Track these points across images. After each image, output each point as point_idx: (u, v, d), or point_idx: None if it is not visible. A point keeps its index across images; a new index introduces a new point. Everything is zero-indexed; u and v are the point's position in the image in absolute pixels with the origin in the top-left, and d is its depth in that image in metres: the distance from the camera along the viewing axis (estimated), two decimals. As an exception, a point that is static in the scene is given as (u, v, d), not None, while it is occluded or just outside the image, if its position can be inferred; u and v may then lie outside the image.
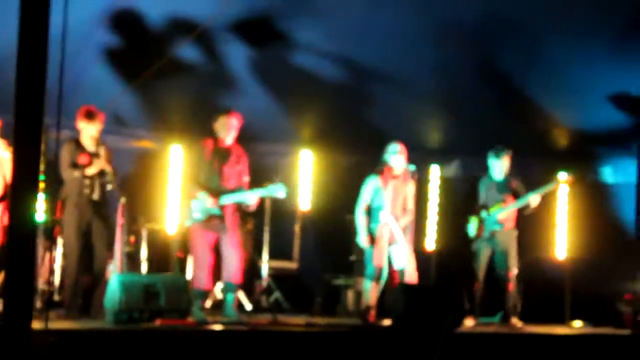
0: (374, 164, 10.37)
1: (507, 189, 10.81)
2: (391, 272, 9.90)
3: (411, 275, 9.89)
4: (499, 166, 10.83)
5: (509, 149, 10.80)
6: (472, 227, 10.88)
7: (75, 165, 9.16)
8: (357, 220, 10.11)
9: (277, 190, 9.42)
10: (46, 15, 5.91)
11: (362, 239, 10.01)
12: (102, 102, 9.66)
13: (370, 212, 10.05)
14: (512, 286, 10.61)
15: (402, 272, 9.85)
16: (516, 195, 10.76)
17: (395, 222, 9.89)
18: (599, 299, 11.41)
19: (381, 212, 9.91)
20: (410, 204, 10.13)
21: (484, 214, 10.78)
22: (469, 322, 10.41)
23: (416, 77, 11.88)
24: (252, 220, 11.65)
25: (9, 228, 5.85)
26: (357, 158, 13.05)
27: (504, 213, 10.72)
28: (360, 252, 10.65)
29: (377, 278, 9.86)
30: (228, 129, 9.47)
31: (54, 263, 9.58)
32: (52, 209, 9.59)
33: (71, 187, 9.19)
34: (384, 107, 12.44)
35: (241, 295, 10.67)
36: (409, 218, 10.08)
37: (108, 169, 9.26)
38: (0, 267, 9.05)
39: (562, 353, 8.87)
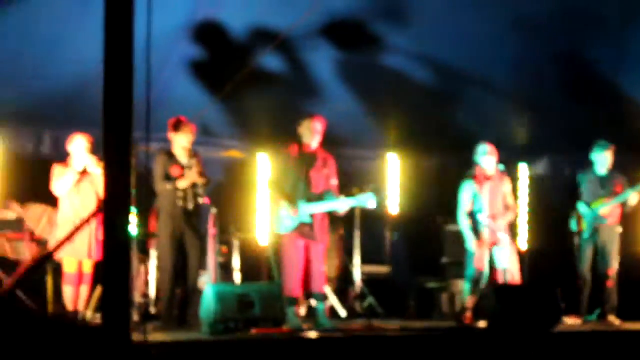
0: (462, 165, 10.31)
1: (611, 184, 10.64)
2: (494, 273, 9.80)
3: (514, 276, 9.80)
4: (603, 160, 10.67)
5: (611, 144, 10.63)
6: (574, 223, 10.73)
7: (167, 178, 9.22)
8: (462, 226, 10.04)
9: (367, 200, 9.32)
10: (130, 29, 5.95)
11: (471, 244, 9.91)
12: (189, 114, 9.72)
13: (471, 216, 9.96)
14: (611, 283, 10.43)
15: (505, 272, 9.74)
16: (620, 191, 10.58)
17: (494, 223, 9.79)
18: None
19: (480, 215, 9.82)
20: (511, 201, 10.09)
21: (585, 209, 10.61)
22: (574, 321, 10.28)
23: (499, 75, 11.81)
24: (342, 225, 11.64)
25: (104, 243, 5.91)
26: (444, 160, 13.03)
27: (606, 208, 10.54)
28: (453, 254, 10.58)
29: (477, 280, 9.78)
30: (312, 133, 9.43)
31: (149, 276, 9.66)
32: (144, 222, 9.70)
33: (164, 198, 9.25)
34: (469, 107, 12.37)
35: (335, 301, 10.66)
36: (512, 216, 10.09)
37: (200, 180, 9.29)
38: (97, 282, 9.24)
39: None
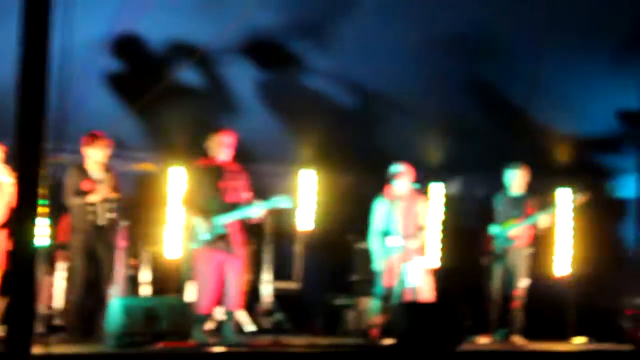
0: (376, 183, 10.37)
1: (523, 205, 10.81)
2: (405, 291, 9.86)
3: (426, 294, 9.86)
4: (515, 181, 10.85)
5: (524, 165, 10.83)
6: (489, 242, 10.88)
7: (78, 193, 9.18)
8: (371, 245, 10.09)
9: (281, 202, 9.34)
10: (45, 40, 5.95)
11: (379, 265, 9.95)
12: (105, 126, 9.69)
13: (383, 235, 10.01)
14: (516, 304, 10.60)
15: (414, 290, 9.80)
16: (531, 213, 10.77)
17: (406, 242, 9.87)
18: (602, 314, 11.41)
19: (391, 236, 9.89)
20: (423, 222, 10.14)
21: (495, 229, 10.78)
22: (483, 340, 10.43)
23: (416, 96, 11.95)
24: (254, 240, 11.66)
25: (11, 254, 5.88)
26: (359, 178, 13.08)
27: (516, 229, 10.71)
28: (362, 271, 10.66)
29: (386, 297, 9.82)
30: (220, 146, 9.39)
31: (54, 287, 9.58)
32: (54, 234, 9.63)
33: (76, 213, 9.19)
34: (386, 127, 12.48)
35: (242, 317, 10.67)
36: (423, 235, 10.10)
37: (112, 195, 9.26)
38: (3, 293, 9.13)
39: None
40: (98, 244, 9.20)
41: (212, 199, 9.26)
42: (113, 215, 9.29)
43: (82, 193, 9.16)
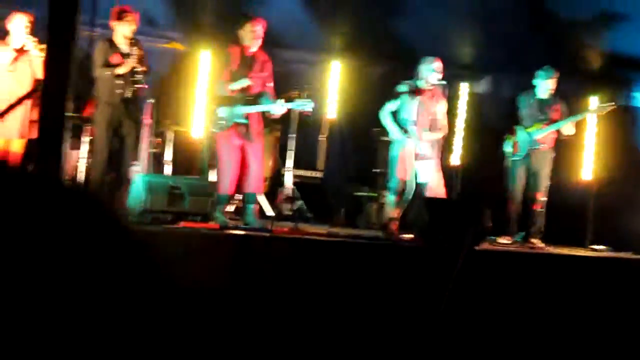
0: (403, 76, 10.28)
1: (550, 109, 10.71)
2: (417, 186, 9.85)
3: (436, 190, 9.86)
4: (546, 86, 10.72)
5: (555, 69, 10.69)
6: (508, 145, 10.81)
7: (107, 65, 9.14)
8: (383, 119, 10.01)
9: (304, 105, 9.38)
10: None
11: (396, 134, 9.88)
12: (136, 2, 9.61)
13: (398, 121, 9.95)
14: (538, 207, 10.59)
15: (424, 186, 9.80)
16: (558, 117, 10.68)
17: (421, 136, 9.83)
18: (622, 223, 11.38)
19: (408, 125, 9.84)
20: (443, 121, 10.05)
21: (522, 132, 10.69)
22: (503, 241, 10.44)
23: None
24: (278, 127, 11.64)
25: (40, 122, 5.87)
26: (385, 69, 12.98)
27: (543, 134, 10.63)
28: (384, 164, 10.63)
29: (401, 191, 9.82)
30: (253, 36, 9.39)
31: (79, 161, 9.59)
32: (80, 108, 9.62)
33: (103, 86, 9.16)
34: (414, 19, 12.31)
35: (263, 202, 10.70)
36: (439, 134, 10.00)
37: (140, 67, 9.22)
38: (30, 161, 9.18)
39: (581, 275, 8.89)
40: (123, 118, 9.21)
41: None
42: (140, 88, 9.26)
43: (111, 65, 9.12)
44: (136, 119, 9.38)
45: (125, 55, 9.20)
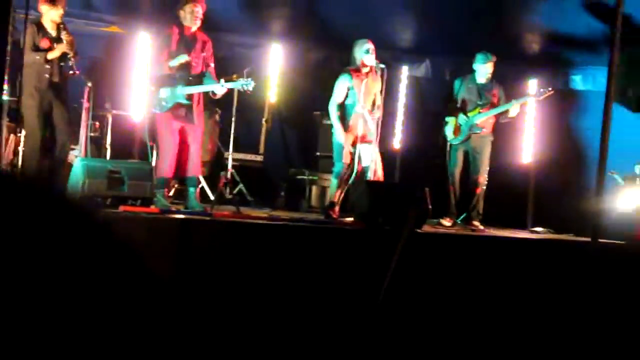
0: (342, 60, 10.29)
1: (489, 93, 10.76)
2: (358, 170, 9.88)
3: (377, 173, 9.90)
4: (485, 70, 10.76)
5: (494, 54, 10.73)
6: (449, 129, 10.85)
7: (37, 49, 9.02)
8: (332, 116, 10.04)
9: (245, 84, 9.37)
10: None
11: (339, 134, 9.93)
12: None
13: (342, 109, 9.99)
14: (479, 190, 10.66)
15: (366, 169, 9.85)
16: (497, 101, 10.74)
17: (369, 119, 9.88)
18: (562, 205, 11.49)
19: (355, 107, 9.87)
20: (379, 101, 10.09)
21: (462, 117, 10.73)
22: (445, 223, 10.51)
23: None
24: (219, 111, 11.59)
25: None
26: (326, 54, 12.98)
27: (482, 118, 10.69)
28: (326, 148, 10.65)
29: (344, 175, 9.86)
30: (193, 17, 9.37)
31: (19, 145, 9.46)
32: (15, 91, 9.47)
33: (31, 70, 9.00)
34: (351, 6, 12.28)
35: (205, 186, 10.65)
36: (379, 114, 10.05)
37: (71, 53, 9.11)
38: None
39: (521, 257, 8.95)
40: (54, 102, 9.13)
41: (178, 68, 9.25)
42: (71, 72, 9.16)
43: (40, 50, 9.01)
44: (66, 103, 9.27)
45: (54, 40, 9.11)
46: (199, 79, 9.38)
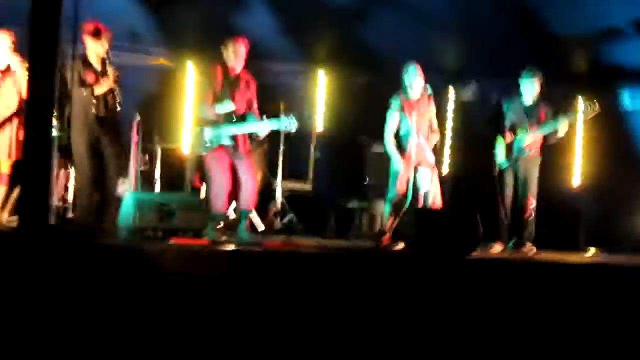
0: (389, 86, 10.26)
1: (536, 113, 10.64)
2: (416, 196, 9.81)
3: (437, 199, 9.84)
4: (530, 89, 10.64)
5: (539, 72, 10.62)
6: (499, 152, 10.74)
7: (83, 84, 9.04)
8: (388, 146, 9.93)
9: (288, 124, 9.38)
10: None
11: (398, 164, 9.85)
12: (118, 18, 9.57)
13: (396, 138, 9.94)
14: (529, 213, 10.53)
15: (426, 196, 9.78)
16: (544, 122, 10.62)
17: (425, 142, 9.82)
18: (614, 227, 11.37)
19: (409, 137, 9.79)
20: (435, 124, 10.05)
21: (510, 138, 10.64)
22: (496, 248, 10.40)
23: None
24: (267, 141, 11.60)
25: (25, 143, 5.82)
26: (371, 78, 12.94)
27: (531, 139, 10.58)
28: (376, 175, 10.62)
29: (398, 203, 9.78)
30: (237, 56, 9.40)
31: (69, 181, 9.53)
32: (66, 126, 9.54)
33: (78, 105, 8.97)
34: (394, 28, 12.28)
35: (255, 217, 10.67)
36: (436, 139, 10.01)
37: (116, 89, 9.14)
38: (15, 183, 9.11)
39: (574, 281, 8.84)
40: (102, 136, 9.11)
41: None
42: (118, 107, 9.18)
43: (87, 85, 9.04)
44: (114, 137, 9.26)
45: (99, 74, 9.11)
46: (242, 120, 9.40)
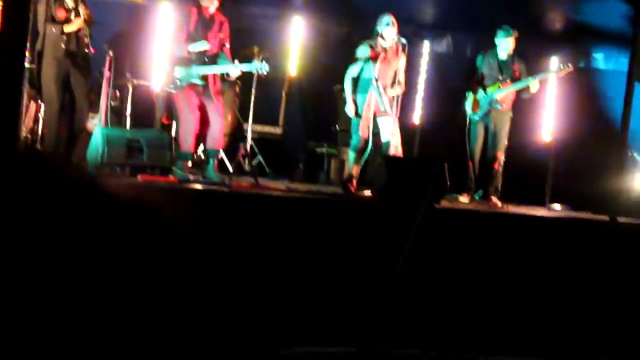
0: (365, 37, 10.25)
1: (510, 69, 10.70)
2: (376, 143, 9.86)
3: (396, 148, 9.87)
4: (506, 45, 10.69)
5: (515, 29, 10.65)
6: (468, 104, 10.80)
7: (53, 20, 8.99)
8: (346, 88, 10.04)
9: (259, 68, 9.42)
10: None
11: (349, 108, 9.95)
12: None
13: (359, 82, 9.97)
14: (497, 166, 10.61)
15: (386, 144, 9.82)
16: (517, 77, 10.67)
17: (384, 93, 9.83)
18: (581, 184, 11.43)
19: (370, 82, 9.82)
20: (402, 77, 10.05)
21: (481, 92, 10.69)
22: (463, 199, 10.49)
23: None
24: (238, 83, 11.57)
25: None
26: (348, 29, 12.91)
27: (502, 93, 10.63)
28: (346, 121, 10.64)
29: (361, 149, 9.83)
30: None
31: (39, 112, 9.48)
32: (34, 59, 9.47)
33: (48, 40, 8.97)
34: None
35: (223, 157, 10.67)
36: (399, 91, 10.01)
37: (86, 29, 9.09)
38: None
39: (539, 234, 8.93)
40: (72, 70, 9.12)
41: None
42: (86, 43, 9.14)
43: (57, 21, 8.98)
44: (84, 72, 9.24)
45: (69, 10, 9.05)
46: (213, 60, 9.42)
